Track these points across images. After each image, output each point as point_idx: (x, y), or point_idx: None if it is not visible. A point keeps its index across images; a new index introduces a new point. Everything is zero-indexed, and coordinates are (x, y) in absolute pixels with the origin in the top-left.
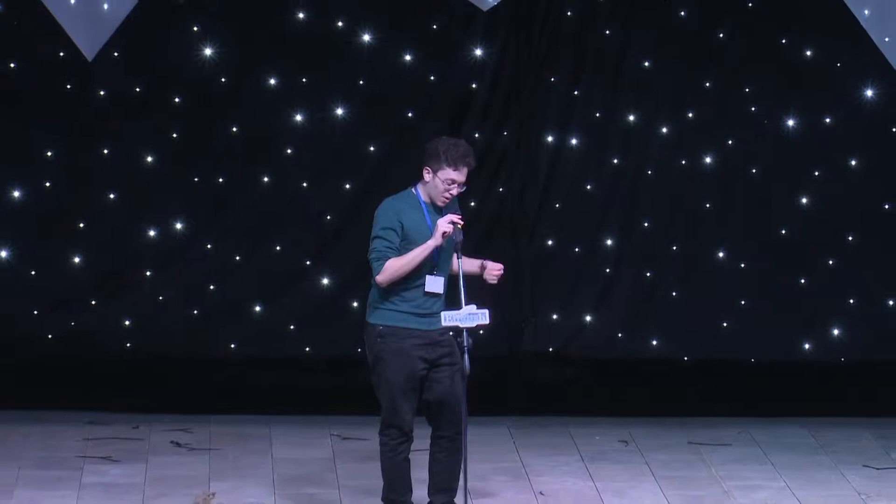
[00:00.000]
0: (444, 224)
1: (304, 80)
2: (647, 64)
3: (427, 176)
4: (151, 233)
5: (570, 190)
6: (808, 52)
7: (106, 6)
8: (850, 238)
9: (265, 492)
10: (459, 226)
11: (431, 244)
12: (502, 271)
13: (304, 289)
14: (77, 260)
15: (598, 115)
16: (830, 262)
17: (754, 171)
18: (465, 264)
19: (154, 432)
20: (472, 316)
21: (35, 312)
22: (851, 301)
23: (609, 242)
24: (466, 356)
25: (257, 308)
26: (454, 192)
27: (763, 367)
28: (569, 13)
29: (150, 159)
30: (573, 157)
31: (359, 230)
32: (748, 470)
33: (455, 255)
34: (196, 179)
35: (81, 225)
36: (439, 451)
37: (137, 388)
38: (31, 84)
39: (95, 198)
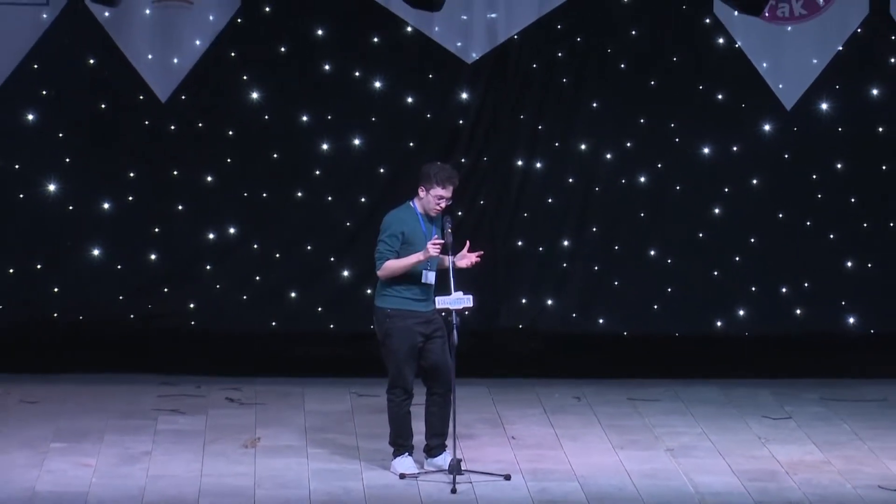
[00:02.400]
0: (431, 247)
1: (329, 117)
2: (595, 105)
3: (422, 193)
4: (210, 235)
5: (535, 203)
6: (720, 96)
7: (176, 60)
8: (752, 240)
9: (299, 436)
10: (449, 228)
11: (421, 257)
12: (473, 259)
13: (329, 279)
14: (153, 257)
15: (556, 144)
16: (737, 259)
17: (678, 188)
18: (448, 264)
19: (212, 391)
20: (459, 300)
21: (120, 297)
22: (753, 289)
23: (565, 243)
24: (455, 331)
25: (293, 294)
26: (443, 205)
27: (685, 340)
28: (534, 66)
29: (209, 178)
30: (538, 177)
31: (372, 234)
32: (673, 420)
33: (449, 255)
34: (245, 194)
35: (156, 229)
36: (433, 405)
37: (199, 357)
38: (118, 120)
39: (167, 209)
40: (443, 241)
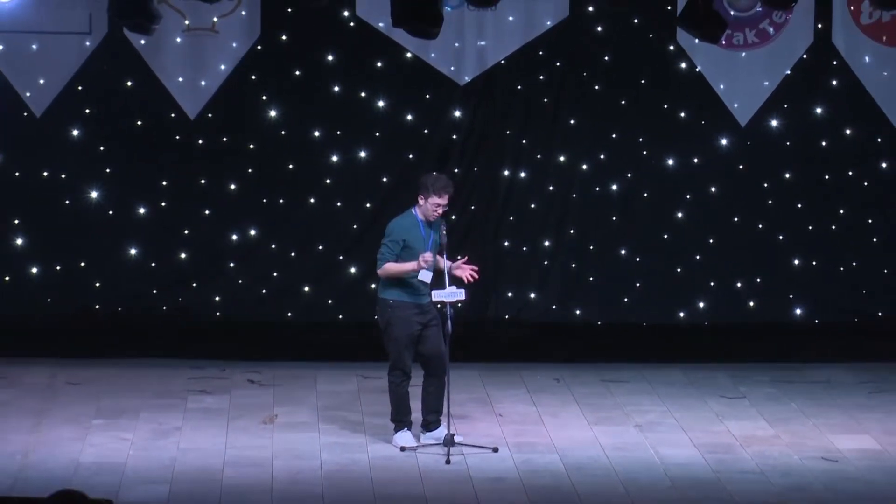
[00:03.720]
0: (422, 261)
1: (338, 132)
2: (572, 121)
3: (421, 200)
4: (233, 237)
5: (519, 208)
6: (682, 114)
7: (203, 82)
8: (711, 240)
9: (311, 413)
10: (444, 231)
11: (415, 267)
12: (472, 271)
13: (338, 275)
14: (183, 255)
15: (538, 156)
16: (697, 257)
17: (646, 195)
18: (443, 263)
19: (235, 373)
20: (453, 293)
21: (154, 291)
22: (711, 283)
23: (547, 244)
24: (450, 321)
25: (306, 288)
26: (440, 211)
27: (651, 328)
28: (519, 87)
29: (233, 186)
30: (522, 185)
31: (376, 236)
32: (641, 399)
33: (444, 255)
34: (264, 200)
35: (186, 231)
36: (429, 386)
37: (224, 344)
38: (152, 135)
39: (195, 213)
40: (431, 259)
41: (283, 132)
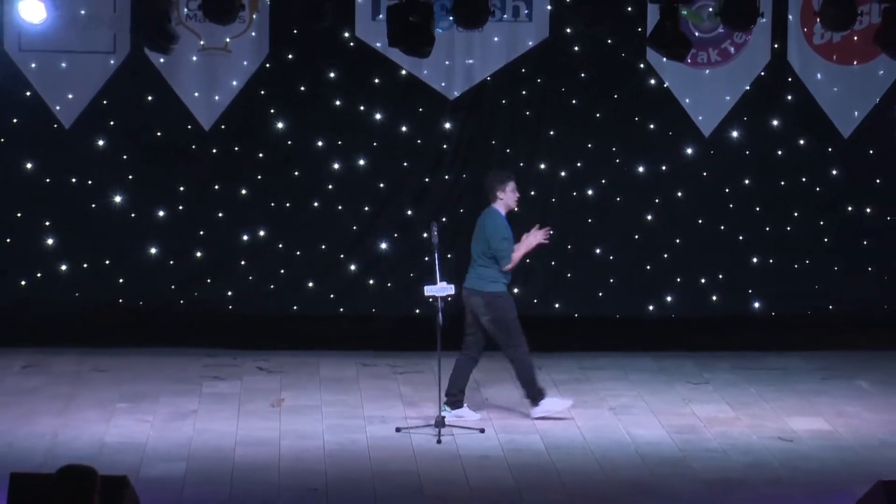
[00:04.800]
0: (537, 239)
1: (339, 142)
2: (552, 132)
3: (501, 195)
4: (245, 237)
5: None
6: (651, 126)
7: (217, 97)
8: (678, 241)
9: (315, 398)
10: (436, 231)
11: (528, 247)
12: (541, 236)
13: (339, 272)
14: (198, 254)
15: (521, 164)
16: (665, 256)
17: (618, 199)
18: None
19: (245, 361)
20: (444, 289)
21: (172, 287)
22: (678, 280)
23: None
24: (440, 314)
25: (310, 284)
26: (517, 195)
27: (624, 320)
28: (503, 101)
29: (244, 192)
30: None
31: (374, 237)
32: (615, 384)
33: (436, 253)
34: (272, 204)
35: (201, 232)
36: (472, 363)
37: (235, 335)
38: (170, 145)
39: (209, 215)
40: (542, 234)
41: (289, 142)
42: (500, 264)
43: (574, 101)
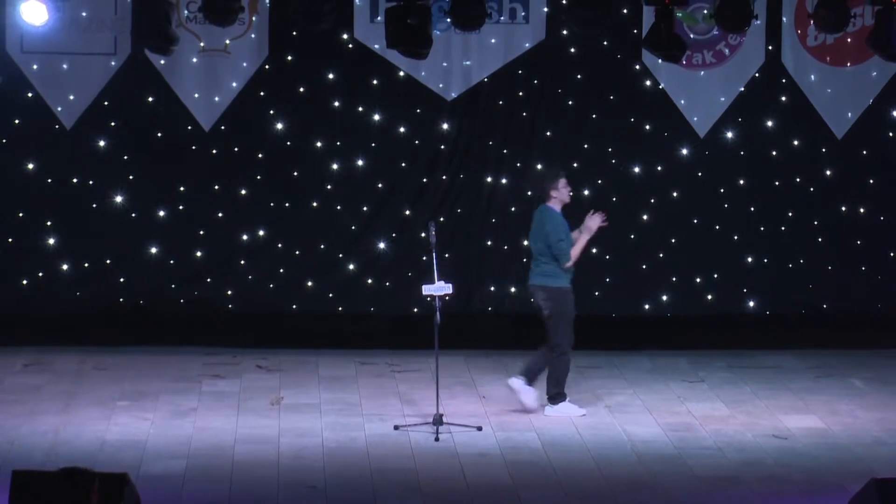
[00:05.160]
0: (596, 224)
1: (338, 143)
2: (548, 133)
3: (554, 193)
4: (244, 237)
5: (501, 211)
6: (647, 126)
7: (216, 98)
8: (673, 240)
9: (314, 396)
10: (433, 231)
11: (588, 237)
12: (600, 220)
13: (338, 272)
14: (199, 253)
15: (518, 164)
16: (661, 255)
17: (614, 199)
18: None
19: (245, 360)
20: (441, 287)
21: (172, 286)
22: (673, 279)
23: (525, 243)
24: (438, 313)
25: (309, 283)
26: (570, 189)
27: (620, 319)
28: (500, 102)
29: (243, 192)
30: (503, 190)
31: (373, 237)
32: (611, 383)
33: (433, 251)
34: (272, 204)
35: (201, 232)
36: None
37: (235, 333)
38: (171, 146)
39: (209, 215)
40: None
41: (288, 142)
42: (560, 262)
43: (570, 103)
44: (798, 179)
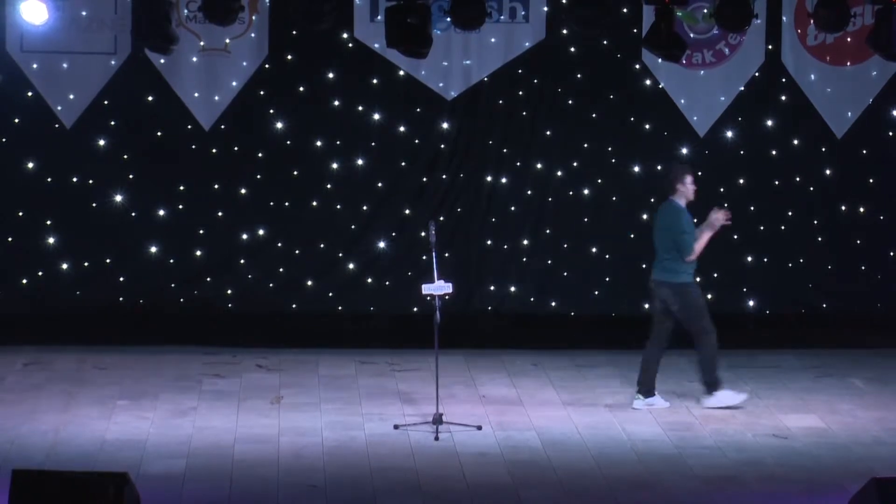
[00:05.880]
0: (720, 220)
1: (337, 142)
2: (548, 132)
3: (681, 187)
4: (244, 236)
5: (501, 210)
6: (647, 126)
7: (216, 97)
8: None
9: (314, 395)
10: (433, 230)
11: (711, 232)
12: (724, 217)
13: (337, 271)
14: (198, 253)
15: (518, 164)
16: None
17: (614, 198)
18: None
19: (245, 359)
20: (441, 287)
21: (172, 286)
22: None
23: (525, 242)
24: (438, 312)
25: (309, 283)
26: (695, 186)
27: (619, 319)
28: (500, 101)
29: (243, 191)
30: (503, 190)
31: (373, 236)
32: (610, 382)
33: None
34: (272, 203)
35: (201, 231)
36: (660, 356)
37: (235, 333)
38: (171, 145)
39: (209, 215)
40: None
41: (288, 142)
42: (683, 256)
43: (570, 102)
44: (798, 179)
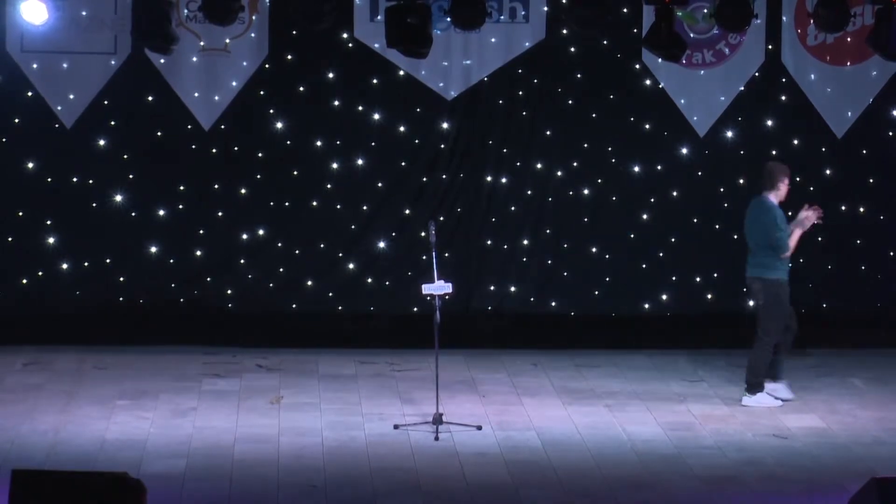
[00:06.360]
0: (811, 219)
1: (337, 142)
2: (548, 132)
3: (780, 185)
4: (244, 236)
5: (501, 210)
6: (647, 125)
7: (216, 97)
8: (673, 239)
9: (314, 395)
10: (433, 230)
11: (802, 230)
12: (816, 215)
13: (338, 271)
14: (198, 253)
15: (518, 163)
16: (660, 254)
17: (614, 198)
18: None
19: (245, 359)
20: (441, 287)
21: (172, 285)
22: (673, 278)
23: (525, 242)
24: (438, 312)
25: (309, 283)
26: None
27: (619, 318)
28: (500, 101)
29: (243, 191)
30: (503, 190)
31: (373, 236)
32: (611, 382)
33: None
34: (272, 203)
35: (201, 231)
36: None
37: (235, 332)
38: (171, 145)
39: (209, 214)
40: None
41: (288, 142)
42: (778, 253)
43: (570, 102)
44: (798, 179)
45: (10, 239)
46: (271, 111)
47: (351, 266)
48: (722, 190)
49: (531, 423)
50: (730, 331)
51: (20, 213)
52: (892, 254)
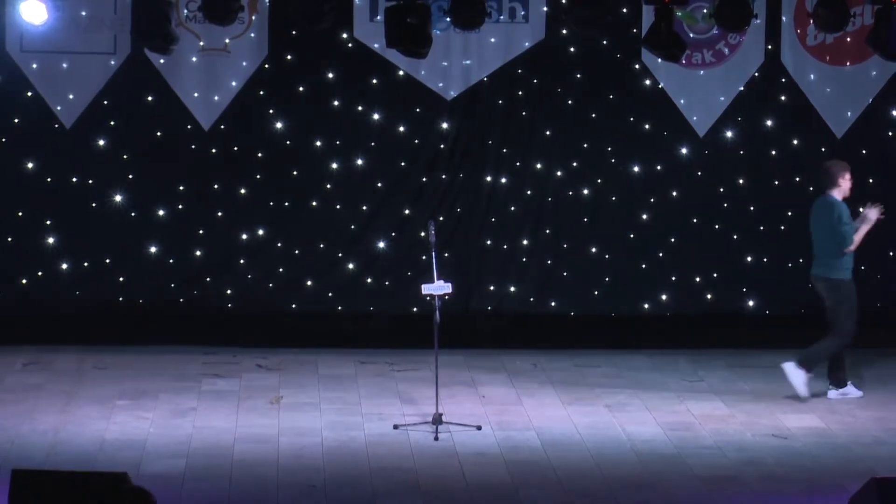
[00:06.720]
0: (874, 215)
1: (337, 142)
2: (547, 132)
3: (842, 182)
4: (244, 236)
5: (500, 210)
6: (646, 126)
7: (216, 97)
8: (672, 239)
9: (314, 395)
10: (433, 230)
11: (868, 227)
12: (878, 212)
13: (337, 271)
14: (198, 253)
15: (517, 164)
16: (660, 254)
17: (614, 198)
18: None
19: (245, 359)
20: (441, 287)
21: (172, 285)
22: (673, 278)
23: (525, 242)
24: (437, 312)
25: (309, 283)
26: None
27: (619, 318)
28: (500, 101)
29: (243, 191)
30: (502, 190)
31: (372, 236)
32: (610, 382)
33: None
34: (271, 203)
35: (200, 231)
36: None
37: (235, 332)
38: (170, 145)
39: (209, 214)
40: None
41: (288, 142)
42: (843, 247)
43: (570, 102)
44: (797, 179)
45: (10, 239)
46: (271, 111)
47: (351, 266)
48: (721, 190)
49: (531, 423)
50: (729, 331)
51: (20, 213)
52: (891, 254)
